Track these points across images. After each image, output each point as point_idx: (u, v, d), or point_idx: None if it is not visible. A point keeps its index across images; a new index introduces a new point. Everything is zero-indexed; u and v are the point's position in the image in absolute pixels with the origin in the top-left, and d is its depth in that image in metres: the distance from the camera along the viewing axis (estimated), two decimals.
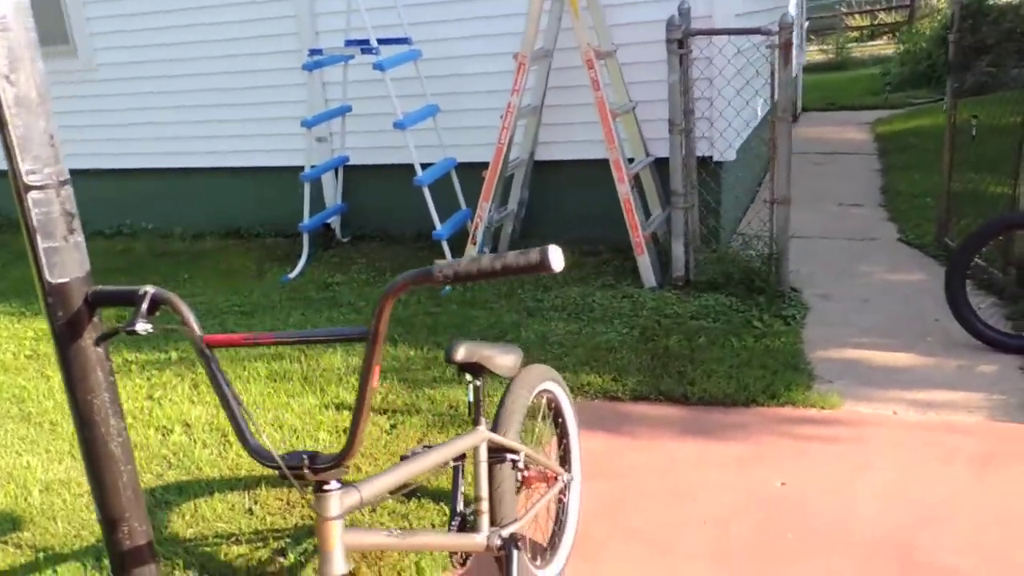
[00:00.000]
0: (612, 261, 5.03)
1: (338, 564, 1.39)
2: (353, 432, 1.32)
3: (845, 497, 2.63)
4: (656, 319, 4.11)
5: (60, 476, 3.06)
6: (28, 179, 1.44)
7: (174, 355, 4.12)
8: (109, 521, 1.67)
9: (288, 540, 2.57)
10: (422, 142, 5.25)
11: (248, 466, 3.02)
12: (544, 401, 2.39)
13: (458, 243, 5.12)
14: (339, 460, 1.33)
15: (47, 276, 1.50)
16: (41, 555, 2.59)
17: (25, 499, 2.91)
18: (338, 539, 1.40)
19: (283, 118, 5.74)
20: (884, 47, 15.58)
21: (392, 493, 2.55)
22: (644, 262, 4.57)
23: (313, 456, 1.35)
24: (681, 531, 2.51)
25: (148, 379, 3.85)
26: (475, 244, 4.96)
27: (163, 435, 3.30)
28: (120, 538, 1.68)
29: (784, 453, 2.90)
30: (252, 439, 1.39)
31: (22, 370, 4.11)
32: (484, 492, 1.98)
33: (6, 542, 2.67)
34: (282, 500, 2.79)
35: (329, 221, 5.80)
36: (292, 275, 5.31)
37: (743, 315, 4.08)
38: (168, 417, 3.43)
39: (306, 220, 5.42)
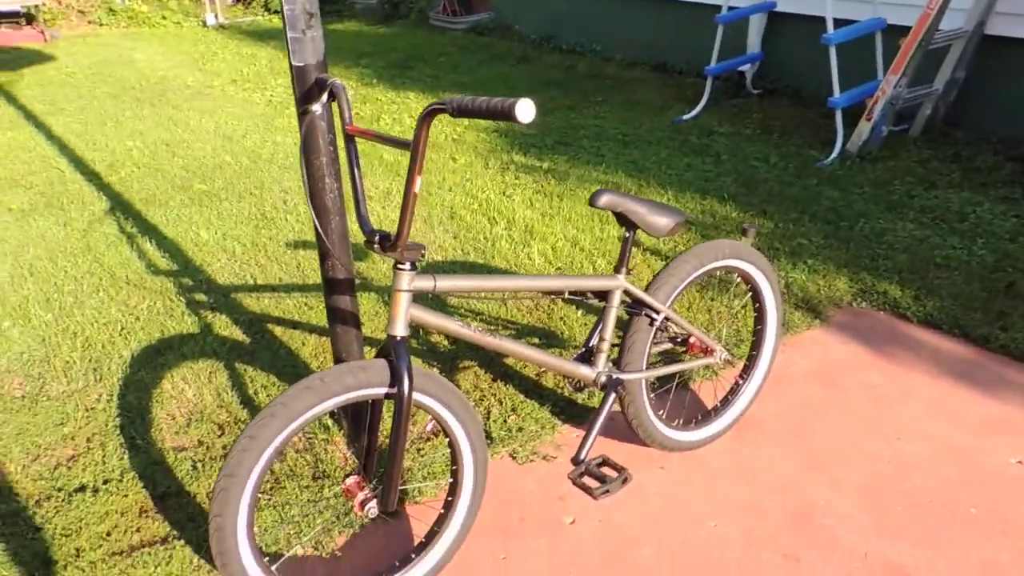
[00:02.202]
0: None
1: (398, 327, 1.74)
2: (400, 226, 1.63)
3: None
4: None
5: None
6: None
7: (546, 164, 4.67)
8: (321, 254, 2.25)
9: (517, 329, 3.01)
10: None
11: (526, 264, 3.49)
12: (738, 279, 2.34)
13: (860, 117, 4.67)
14: (393, 244, 1.66)
15: (292, 59, 2.01)
16: None
17: None
18: (403, 308, 1.74)
19: None
20: None
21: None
22: None
23: (385, 236, 1.69)
24: (852, 461, 2.32)
25: (514, 179, 4.49)
26: (869, 120, 4.48)
27: (490, 224, 3.92)
28: (327, 268, 2.25)
29: None
30: (364, 212, 1.77)
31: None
32: (608, 334, 2.13)
33: None
34: (531, 302, 3.21)
35: (742, 69, 5.67)
36: (686, 117, 5.43)
37: None
38: (500, 211, 4.03)
39: (712, 64, 5.40)
